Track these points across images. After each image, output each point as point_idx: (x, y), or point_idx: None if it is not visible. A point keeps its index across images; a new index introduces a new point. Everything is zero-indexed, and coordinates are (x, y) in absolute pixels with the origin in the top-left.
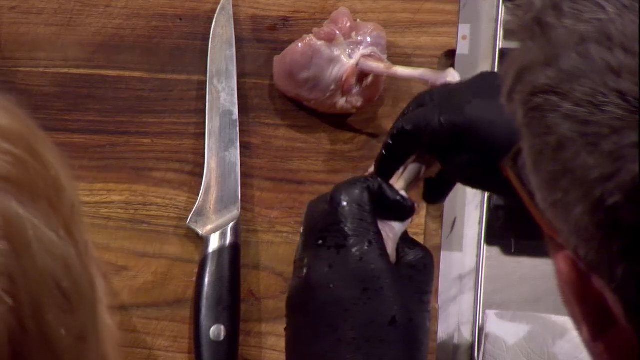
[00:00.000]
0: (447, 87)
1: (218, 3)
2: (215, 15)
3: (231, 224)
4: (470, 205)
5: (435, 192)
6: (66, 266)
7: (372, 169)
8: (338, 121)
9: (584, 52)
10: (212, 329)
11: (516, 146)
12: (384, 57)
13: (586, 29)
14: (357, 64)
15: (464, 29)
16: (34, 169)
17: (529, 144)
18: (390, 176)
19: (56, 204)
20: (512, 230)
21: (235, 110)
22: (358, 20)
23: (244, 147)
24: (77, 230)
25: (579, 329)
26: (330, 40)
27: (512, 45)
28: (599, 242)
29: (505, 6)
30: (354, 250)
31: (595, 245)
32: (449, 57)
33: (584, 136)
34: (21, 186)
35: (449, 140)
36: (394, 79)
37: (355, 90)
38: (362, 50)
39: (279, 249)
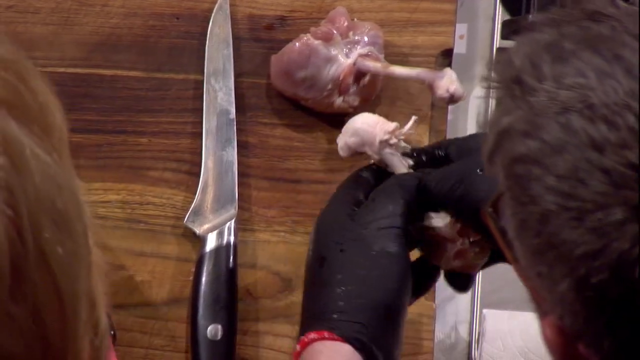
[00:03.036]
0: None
1: (215, 2)
2: (213, 14)
3: (228, 223)
4: None
5: (459, 282)
6: (59, 187)
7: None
8: (335, 120)
9: (566, 124)
10: (209, 328)
11: (495, 194)
12: (381, 56)
13: (567, 96)
14: (354, 64)
15: (461, 28)
16: (26, 95)
17: (512, 210)
18: None
19: (46, 129)
20: None
21: (233, 110)
22: (355, 19)
23: (241, 146)
24: (65, 156)
25: None
26: (327, 39)
27: (509, 44)
28: (585, 317)
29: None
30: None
31: (581, 318)
32: (446, 57)
33: (567, 210)
34: (16, 109)
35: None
36: (391, 78)
37: (352, 89)
38: (359, 50)
39: (276, 248)
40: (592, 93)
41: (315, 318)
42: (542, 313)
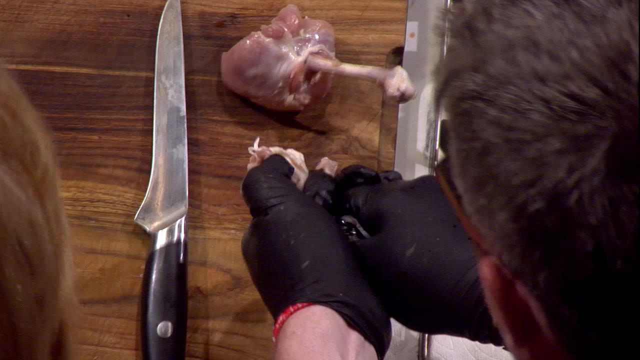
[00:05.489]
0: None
1: (166, 0)
2: (163, 11)
3: (178, 221)
4: None
5: None
6: (30, 226)
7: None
8: (286, 118)
9: (511, 58)
10: (159, 325)
11: (445, 155)
12: (332, 54)
13: (514, 35)
14: (305, 62)
15: (412, 27)
16: (11, 129)
17: (456, 147)
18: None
19: (29, 165)
20: None
21: (183, 107)
22: (306, 17)
23: (192, 143)
24: (48, 196)
25: (504, 334)
26: (278, 37)
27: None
28: (522, 249)
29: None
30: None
31: (518, 252)
32: (397, 55)
33: (508, 142)
34: None
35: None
36: (342, 76)
37: (303, 87)
38: (310, 48)
39: (226, 245)
40: (538, 32)
41: (280, 305)
42: (482, 254)
